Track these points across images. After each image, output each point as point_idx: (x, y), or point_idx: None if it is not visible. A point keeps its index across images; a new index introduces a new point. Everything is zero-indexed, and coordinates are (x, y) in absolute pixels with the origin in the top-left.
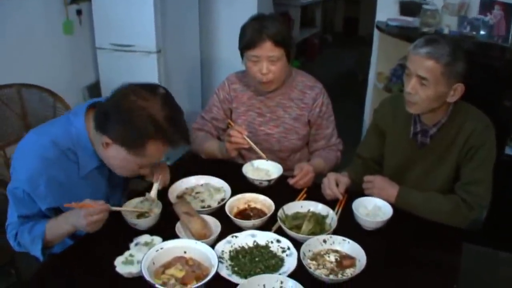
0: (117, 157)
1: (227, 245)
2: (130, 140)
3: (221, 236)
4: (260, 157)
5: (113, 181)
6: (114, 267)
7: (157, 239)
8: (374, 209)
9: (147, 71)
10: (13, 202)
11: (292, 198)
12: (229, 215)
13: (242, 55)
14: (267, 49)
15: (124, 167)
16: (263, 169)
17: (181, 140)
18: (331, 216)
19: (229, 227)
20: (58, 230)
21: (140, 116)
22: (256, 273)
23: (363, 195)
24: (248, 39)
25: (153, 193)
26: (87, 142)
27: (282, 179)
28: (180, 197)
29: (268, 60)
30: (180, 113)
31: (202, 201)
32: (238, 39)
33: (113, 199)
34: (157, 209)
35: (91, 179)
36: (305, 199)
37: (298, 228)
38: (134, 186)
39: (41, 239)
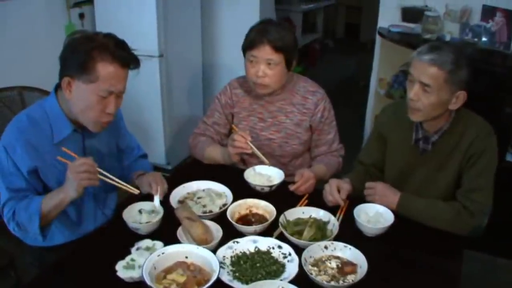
0: (79, 95)
1: (228, 250)
2: (80, 66)
3: (223, 242)
4: (262, 162)
5: (107, 185)
6: (115, 271)
7: (158, 243)
8: (375, 215)
9: (149, 76)
10: (1, 176)
11: (293, 204)
12: (231, 220)
13: (244, 55)
14: (266, 52)
15: (90, 105)
16: (264, 174)
17: (128, 56)
18: (333, 222)
19: (230, 233)
20: (52, 200)
21: (83, 43)
22: (257, 279)
23: (365, 201)
24: (250, 39)
25: (156, 203)
26: (59, 110)
27: (283, 185)
28: (182, 202)
29: (266, 63)
30: (123, 41)
31: (204, 206)
32: (244, 39)
33: (109, 206)
34: (158, 215)
35: (65, 147)
36: (307, 205)
37: (299, 234)
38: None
39: (38, 215)
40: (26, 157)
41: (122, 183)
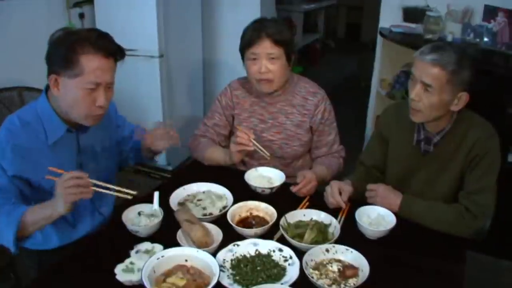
0: (67, 92)
1: (228, 253)
2: (64, 60)
3: (223, 245)
4: (263, 157)
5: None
6: (115, 274)
7: (158, 246)
8: (377, 218)
9: (149, 76)
10: None
11: (294, 206)
12: (231, 223)
13: (243, 57)
14: (266, 47)
15: (78, 100)
16: (265, 176)
17: (111, 45)
18: (334, 224)
19: (230, 235)
20: (37, 214)
21: (65, 38)
22: (258, 283)
23: (366, 203)
24: (248, 38)
25: (155, 203)
26: (50, 111)
27: (284, 186)
28: (182, 204)
29: (267, 58)
30: (107, 33)
31: (204, 208)
32: (240, 40)
33: (105, 205)
34: (157, 217)
35: (59, 148)
36: (308, 207)
37: (300, 237)
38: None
39: (16, 223)
40: (14, 162)
41: (117, 188)
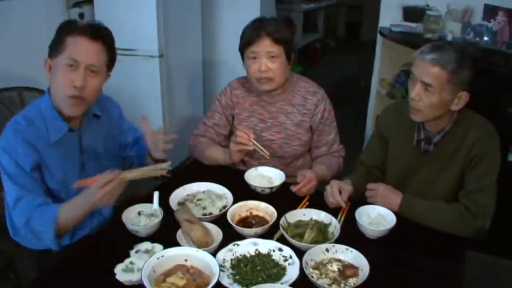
0: (55, 72)
1: (228, 253)
2: (54, 42)
3: (223, 244)
4: (263, 156)
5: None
6: (114, 274)
7: (158, 246)
8: (377, 217)
9: (149, 75)
10: (8, 178)
11: (294, 206)
12: (231, 222)
13: (242, 56)
14: (266, 45)
15: (59, 78)
16: (265, 176)
17: (98, 29)
18: (334, 224)
19: (230, 235)
20: (74, 212)
21: (63, 26)
22: (258, 282)
23: (366, 203)
24: (247, 37)
25: (155, 203)
26: (52, 110)
27: (284, 186)
28: (182, 204)
29: (267, 56)
30: (106, 28)
31: (204, 208)
32: (239, 40)
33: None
34: (158, 217)
35: (61, 147)
36: (308, 207)
37: (300, 236)
38: (135, 191)
39: (54, 223)
40: (28, 154)
41: (148, 168)
